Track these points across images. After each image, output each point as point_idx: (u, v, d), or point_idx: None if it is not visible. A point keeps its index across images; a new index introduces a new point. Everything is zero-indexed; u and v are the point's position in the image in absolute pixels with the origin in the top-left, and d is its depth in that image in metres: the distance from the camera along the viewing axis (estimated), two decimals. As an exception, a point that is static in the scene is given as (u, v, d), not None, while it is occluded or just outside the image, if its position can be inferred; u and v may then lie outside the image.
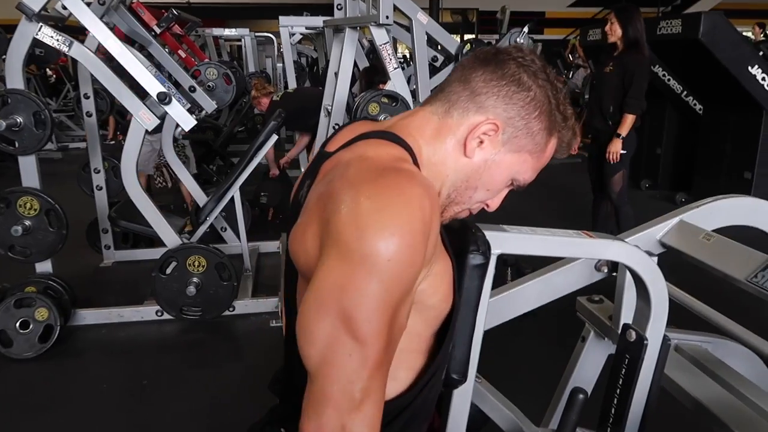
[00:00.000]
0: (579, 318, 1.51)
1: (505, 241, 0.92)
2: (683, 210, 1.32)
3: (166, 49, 4.77)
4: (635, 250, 0.98)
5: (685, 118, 5.41)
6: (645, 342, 1.03)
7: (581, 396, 1.07)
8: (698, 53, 4.37)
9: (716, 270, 1.17)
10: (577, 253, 0.99)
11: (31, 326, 2.73)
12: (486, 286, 0.92)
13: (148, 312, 3.10)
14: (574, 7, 13.69)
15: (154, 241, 3.61)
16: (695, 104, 5.24)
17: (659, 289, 1.01)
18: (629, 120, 3.39)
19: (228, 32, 7.31)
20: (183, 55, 5.14)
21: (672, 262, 1.25)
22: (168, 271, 2.94)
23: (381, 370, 0.66)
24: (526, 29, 6.97)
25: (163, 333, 3.03)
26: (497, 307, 1.19)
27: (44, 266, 2.93)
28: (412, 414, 0.83)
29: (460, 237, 0.90)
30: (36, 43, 6.21)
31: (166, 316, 3.04)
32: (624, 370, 1.09)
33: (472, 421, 1.13)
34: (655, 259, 1.17)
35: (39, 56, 7.71)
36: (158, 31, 4.53)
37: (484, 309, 0.95)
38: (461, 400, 1.02)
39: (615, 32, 3.38)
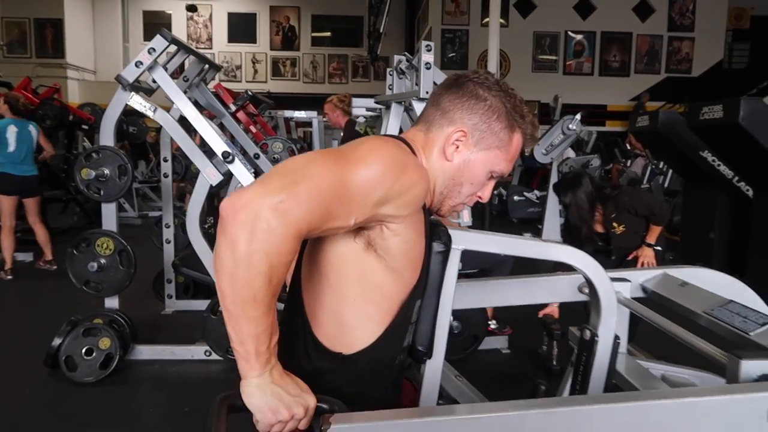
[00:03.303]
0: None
1: (466, 238, 1.12)
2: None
3: (241, 126, 5.33)
4: (582, 254, 1.15)
5: (737, 202, 5.39)
6: (596, 339, 1.18)
7: (543, 388, 1.21)
8: (741, 138, 4.46)
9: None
10: (528, 253, 1.17)
11: (94, 354, 3.04)
12: (449, 275, 1.12)
13: (197, 351, 3.37)
14: (635, 100, 13.92)
15: (212, 292, 3.93)
16: (747, 189, 5.24)
17: (606, 290, 1.16)
18: (658, 231, 3.16)
19: (298, 114, 7.98)
20: (254, 130, 5.70)
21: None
22: (218, 313, 3.22)
23: (308, 197, 0.83)
24: (578, 116, 7.25)
25: (209, 371, 3.26)
26: (478, 291, 1.35)
27: (112, 302, 3.27)
28: (369, 365, 1.02)
29: (431, 231, 1.12)
30: (130, 121, 6.93)
31: (214, 356, 3.28)
32: (582, 367, 1.23)
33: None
34: (626, 287, 1.33)
35: (132, 133, 8.70)
36: (233, 108, 5.11)
37: (448, 296, 1.14)
38: (431, 378, 1.18)
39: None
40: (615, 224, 3.15)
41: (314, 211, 0.83)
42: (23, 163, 5.19)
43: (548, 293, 1.43)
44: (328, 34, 16.28)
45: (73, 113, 7.53)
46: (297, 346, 1.03)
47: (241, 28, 15.87)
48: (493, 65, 7.63)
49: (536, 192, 7.84)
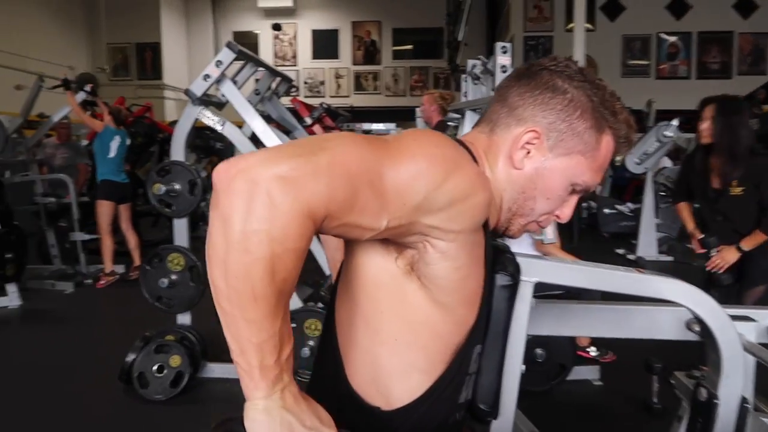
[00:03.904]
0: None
1: (540, 268, 0.90)
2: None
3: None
4: (698, 292, 0.90)
5: None
6: (716, 401, 0.91)
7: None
8: None
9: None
10: (621, 288, 0.93)
11: (165, 371, 3.02)
12: (519, 314, 0.90)
13: (267, 371, 3.27)
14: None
15: (284, 308, 3.85)
16: None
17: (730, 340, 0.90)
18: (760, 239, 2.71)
19: (376, 127, 7.89)
20: (330, 144, 5.65)
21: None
22: (287, 332, 3.11)
23: (330, 174, 0.64)
24: (675, 122, 6.69)
25: (277, 393, 3.15)
26: (558, 317, 1.10)
27: (184, 318, 3.26)
28: (415, 427, 0.82)
29: (494, 259, 0.90)
30: (217, 137, 7.12)
31: (282, 377, 3.17)
32: (696, 434, 0.96)
33: None
34: (750, 329, 1.05)
35: (219, 149, 8.97)
36: (309, 122, 5.08)
37: (519, 340, 0.92)
38: (499, 441, 0.96)
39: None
40: (735, 182, 2.77)
41: (337, 190, 0.63)
42: (120, 171, 5.61)
43: (647, 327, 1.15)
44: (409, 46, 16.24)
45: (163, 130, 7.85)
46: (326, 391, 0.84)
47: (324, 44, 16.15)
48: (580, 71, 7.21)
49: (629, 204, 7.30)
